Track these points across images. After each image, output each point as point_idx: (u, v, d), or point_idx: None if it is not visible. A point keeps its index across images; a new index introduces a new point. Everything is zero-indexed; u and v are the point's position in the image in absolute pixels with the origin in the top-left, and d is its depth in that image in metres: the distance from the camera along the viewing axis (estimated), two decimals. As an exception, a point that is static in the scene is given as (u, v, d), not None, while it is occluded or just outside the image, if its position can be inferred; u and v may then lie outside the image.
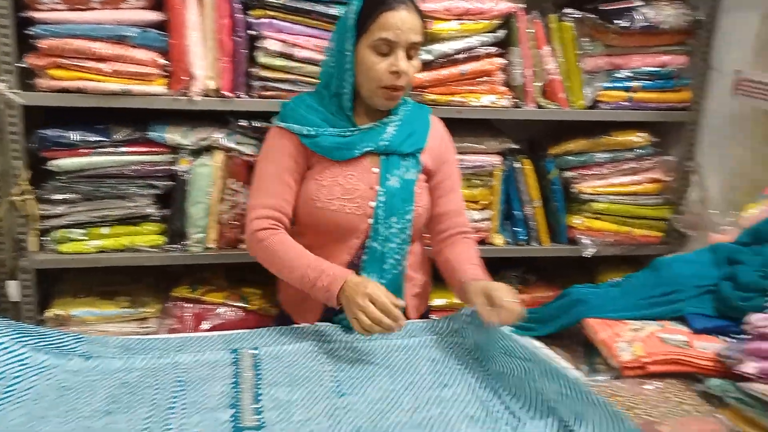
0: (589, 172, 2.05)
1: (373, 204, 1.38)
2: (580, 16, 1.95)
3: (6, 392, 1.04)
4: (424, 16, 1.37)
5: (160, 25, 1.73)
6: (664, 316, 1.19)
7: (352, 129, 1.38)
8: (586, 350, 1.21)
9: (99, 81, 1.67)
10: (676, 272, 1.23)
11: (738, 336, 1.08)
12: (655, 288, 1.23)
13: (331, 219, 1.38)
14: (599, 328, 1.16)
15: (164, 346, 1.26)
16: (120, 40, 1.66)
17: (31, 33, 1.61)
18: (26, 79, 1.68)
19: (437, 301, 1.91)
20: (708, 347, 1.07)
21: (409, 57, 1.33)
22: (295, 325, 1.37)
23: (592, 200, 2.05)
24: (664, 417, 0.91)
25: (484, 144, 1.98)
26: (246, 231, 1.40)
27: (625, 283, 1.34)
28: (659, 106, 2.04)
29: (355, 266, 1.40)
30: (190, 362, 1.19)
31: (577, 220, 2.06)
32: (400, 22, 1.29)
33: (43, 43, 1.61)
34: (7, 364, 1.09)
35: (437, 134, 1.49)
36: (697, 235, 1.95)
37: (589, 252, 2.04)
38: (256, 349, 1.25)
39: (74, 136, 1.71)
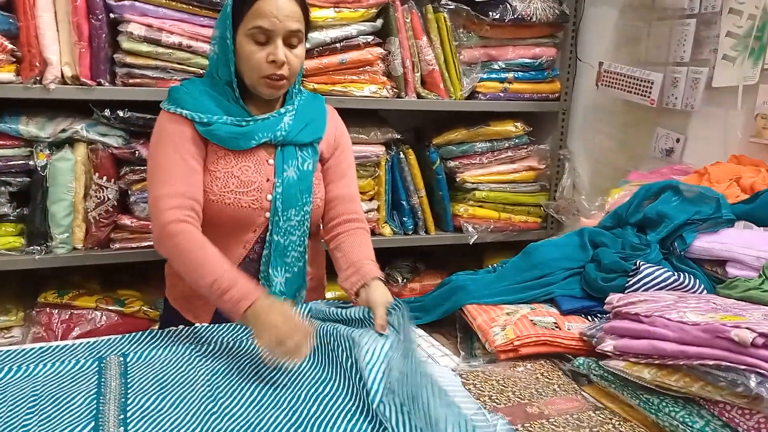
0: (471, 162, 2.11)
1: (270, 197, 1.33)
2: (453, 7, 1.99)
3: None
4: (306, 2, 1.32)
5: (6, 6, 1.57)
6: (536, 299, 1.23)
7: (248, 119, 1.31)
8: (466, 336, 1.23)
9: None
10: (546, 256, 1.28)
11: (603, 315, 1.14)
12: (528, 272, 1.27)
13: (225, 212, 1.31)
14: (476, 314, 1.19)
15: (22, 357, 1.14)
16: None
17: None
18: None
19: (329, 294, 1.89)
20: (575, 328, 1.11)
21: (291, 45, 1.28)
22: (171, 328, 1.29)
23: (475, 189, 2.11)
24: (533, 398, 0.94)
25: (368, 134, 1.98)
26: (155, 224, 1.26)
27: (501, 268, 1.38)
28: (532, 96, 2.14)
29: (251, 260, 1.36)
30: (48, 374, 1.09)
31: (461, 209, 2.12)
32: (275, 9, 1.24)
33: None
34: None
35: (332, 122, 1.45)
36: (570, 221, 2.06)
37: (473, 239, 2.10)
38: (124, 356, 1.16)
39: None
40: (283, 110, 1.35)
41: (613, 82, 1.91)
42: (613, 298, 1.05)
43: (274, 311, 1.12)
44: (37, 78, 1.60)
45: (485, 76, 2.07)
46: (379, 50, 1.93)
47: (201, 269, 1.20)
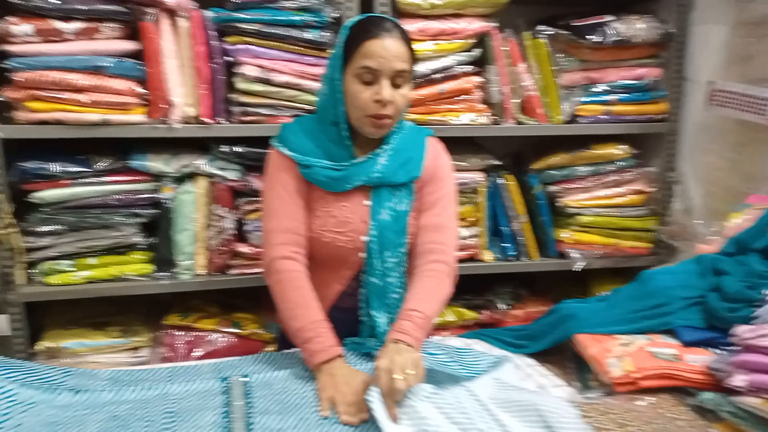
0: (573, 186, 2.07)
1: (365, 239, 1.35)
2: (553, 32, 1.98)
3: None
4: (412, 43, 1.33)
5: (137, 54, 1.73)
6: (653, 330, 1.19)
7: (345, 164, 1.35)
8: (577, 366, 1.21)
9: (77, 112, 1.66)
10: (662, 284, 1.24)
11: (727, 348, 1.09)
12: (642, 301, 1.24)
13: (323, 249, 1.37)
14: (589, 344, 1.17)
15: (153, 377, 1.24)
16: (96, 70, 1.65)
17: (6, 67, 1.60)
18: (3, 112, 1.67)
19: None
20: (698, 360, 1.07)
21: (397, 85, 1.29)
22: (287, 351, 1.36)
23: (578, 213, 2.07)
24: (657, 433, 0.91)
25: (467, 161, 1.99)
26: (265, 257, 1.35)
27: (613, 296, 1.34)
28: (637, 118, 2.07)
29: (347, 295, 1.40)
30: (180, 393, 1.18)
31: (564, 234, 2.08)
32: (383, 50, 1.26)
33: (18, 76, 1.60)
34: (-6, 404, 1.07)
35: (432, 156, 1.43)
36: (685, 246, 1.97)
37: (578, 265, 2.06)
38: (246, 376, 1.23)
39: (54, 167, 1.69)
40: (379, 150, 1.36)
41: (725, 101, 1.82)
42: (742, 330, 1.00)
43: (343, 376, 1.17)
44: (163, 118, 1.74)
45: (586, 99, 2.04)
46: (476, 78, 1.95)
47: (293, 311, 1.29)
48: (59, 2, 1.59)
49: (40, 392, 1.13)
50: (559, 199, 2.08)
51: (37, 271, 1.76)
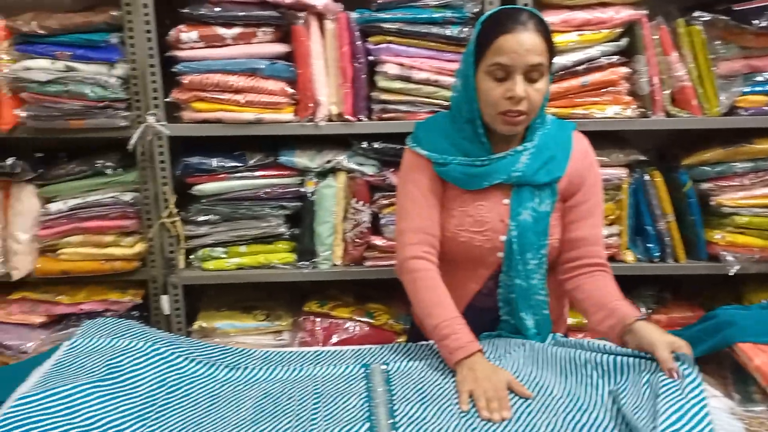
0: (729, 183, 1.91)
1: (503, 238, 1.32)
2: (710, 18, 1.83)
3: (166, 398, 1.14)
4: (550, 32, 1.27)
5: (287, 56, 1.84)
6: (828, 342, 1.08)
7: (483, 159, 1.31)
8: (737, 377, 1.12)
9: (234, 111, 1.80)
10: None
11: None
12: (818, 310, 1.12)
13: (459, 249, 1.35)
14: (753, 354, 1.08)
15: (301, 359, 1.32)
16: (252, 72, 1.78)
17: (175, 71, 1.77)
18: (171, 112, 1.85)
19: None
20: None
21: (533, 80, 1.23)
22: (423, 342, 1.38)
23: (734, 213, 1.90)
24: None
25: (609, 156, 1.91)
26: (398, 256, 1.37)
27: (780, 304, 1.23)
28: (808, 109, 1.87)
29: (482, 295, 1.38)
30: (325, 375, 1.24)
31: (717, 235, 1.92)
32: (516, 44, 1.21)
33: (186, 79, 1.76)
34: (166, 373, 1.19)
35: (579, 154, 1.37)
36: None
37: (733, 270, 1.90)
38: (386, 364, 1.27)
39: (214, 162, 1.85)
40: (521, 148, 1.31)
41: None
42: None
43: (483, 371, 1.16)
44: (310, 116, 1.84)
45: (747, 89, 1.87)
46: (623, 69, 1.86)
47: (429, 309, 1.29)
48: (222, 10, 1.73)
49: (203, 367, 1.24)
50: (713, 197, 1.92)
51: (194, 257, 1.93)
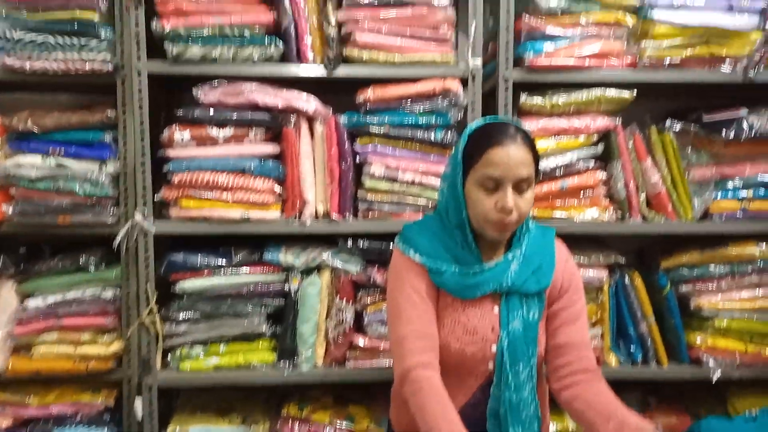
0: (707, 287, 1.94)
1: (494, 348, 1.31)
2: (681, 127, 1.93)
3: None
4: (535, 145, 1.32)
5: (277, 155, 1.89)
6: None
7: (477, 269, 1.32)
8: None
9: (222, 209, 1.82)
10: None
11: None
12: (806, 424, 1.12)
13: (451, 358, 1.32)
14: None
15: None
16: (242, 171, 1.82)
17: (166, 169, 1.80)
18: (159, 209, 1.86)
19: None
20: None
21: (521, 191, 1.27)
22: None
23: (714, 316, 1.93)
24: None
25: (589, 258, 1.94)
26: (398, 363, 1.30)
27: (763, 416, 1.22)
28: (778, 215, 1.94)
29: (471, 407, 1.34)
30: None
31: (698, 338, 1.93)
32: (507, 157, 1.24)
33: (176, 177, 1.79)
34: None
35: (561, 258, 1.40)
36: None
37: (715, 376, 1.89)
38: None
39: (200, 259, 1.84)
40: (510, 256, 1.34)
41: None
42: None
43: None
44: (297, 214, 1.86)
45: (719, 195, 1.95)
46: (600, 174, 1.93)
47: (433, 422, 1.20)
48: (216, 112, 1.79)
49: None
50: (692, 300, 1.95)
51: (171, 357, 1.88)
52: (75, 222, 1.79)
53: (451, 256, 1.34)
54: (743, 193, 1.95)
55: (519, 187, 1.27)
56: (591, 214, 1.93)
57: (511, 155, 1.25)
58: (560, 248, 1.43)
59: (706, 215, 1.96)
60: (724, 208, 1.95)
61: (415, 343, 1.28)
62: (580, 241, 2.00)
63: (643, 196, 1.95)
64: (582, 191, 1.93)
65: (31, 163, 1.74)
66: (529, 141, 1.29)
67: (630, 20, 1.86)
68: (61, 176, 1.76)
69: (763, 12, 1.87)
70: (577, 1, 1.85)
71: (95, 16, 1.72)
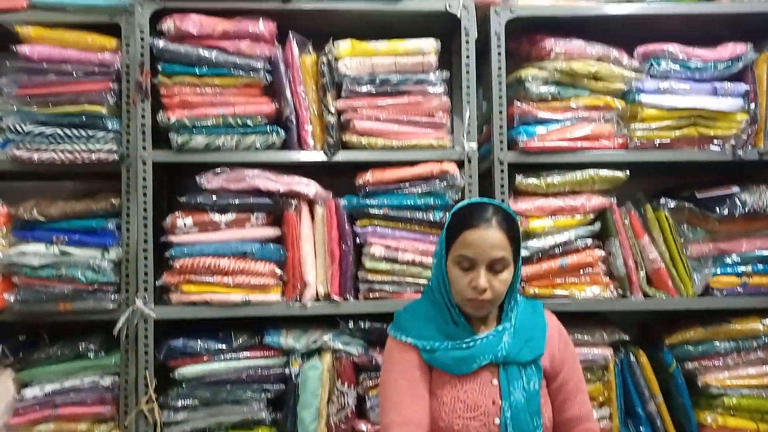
0: (713, 363, 1.92)
1: (498, 421, 1.31)
2: (675, 205, 1.97)
3: None
4: (516, 226, 1.37)
5: (278, 238, 1.91)
6: None
7: (468, 341, 1.35)
8: None
9: (223, 293, 1.82)
10: None
11: None
12: None
13: None
14: None
15: None
16: (243, 255, 1.83)
17: (168, 255, 1.82)
18: (159, 294, 1.87)
19: None
20: None
21: (496, 271, 1.32)
22: None
23: (722, 394, 1.89)
24: None
25: (593, 336, 1.93)
26: None
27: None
28: (780, 290, 1.95)
29: None
30: None
31: (708, 417, 1.89)
32: (479, 240, 1.31)
33: (177, 263, 1.80)
34: None
35: (553, 332, 1.44)
36: None
37: (728, 456, 1.85)
38: None
39: (200, 345, 1.82)
40: (501, 328, 1.37)
41: None
42: None
43: None
44: (298, 297, 1.87)
45: (719, 270, 1.96)
46: (599, 252, 1.95)
47: None
48: (218, 198, 1.82)
49: None
50: (699, 377, 1.92)
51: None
52: (76, 309, 1.79)
53: (443, 335, 1.37)
54: (742, 269, 1.96)
55: (493, 267, 1.32)
56: (592, 292, 1.93)
57: (484, 237, 1.31)
58: (551, 319, 1.47)
59: (706, 291, 1.96)
60: (724, 284, 1.95)
61: (401, 429, 1.31)
62: (582, 319, 1.99)
63: (642, 273, 1.95)
64: (582, 269, 1.94)
65: (35, 251, 1.76)
66: (507, 223, 1.35)
67: (619, 104, 1.93)
68: (63, 263, 1.77)
69: (746, 94, 1.94)
70: (566, 87, 1.92)
71: (103, 110, 1.78)
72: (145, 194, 1.81)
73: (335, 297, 1.87)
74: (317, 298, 1.89)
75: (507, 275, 1.34)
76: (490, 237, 1.31)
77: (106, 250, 1.80)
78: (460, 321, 1.37)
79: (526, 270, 1.91)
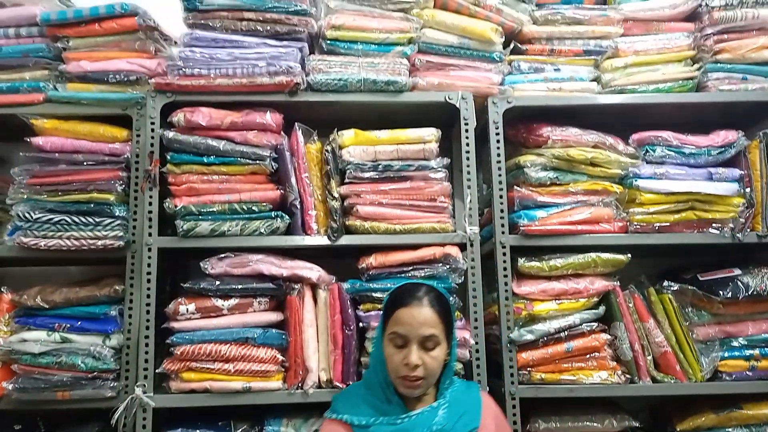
0: (728, 453, 1.87)
1: None
2: (677, 287, 1.96)
3: None
4: (448, 306, 1.45)
5: (280, 324, 1.89)
6: None
7: (404, 416, 1.40)
8: None
9: (223, 380, 1.79)
10: None
11: None
12: None
13: None
14: None
15: None
16: (245, 341, 1.81)
17: (169, 341, 1.80)
18: (159, 381, 1.83)
19: None
20: None
21: (428, 348, 1.39)
22: None
23: (738, 485, 1.83)
24: None
25: (602, 423, 1.88)
26: None
27: None
28: (790, 376, 1.91)
29: None
30: None
31: None
32: (410, 318, 1.40)
33: (178, 350, 1.78)
34: None
35: (490, 413, 1.48)
36: None
37: None
38: None
39: (198, 436, 1.78)
40: (436, 404, 1.43)
41: None
42: None
43: None
44: (299, 384, 1.83)
45: (726, 354, 1.93)
46: (605, 336, 1.93)
47: None
48: (221, 284, 1.83)
49: None
50: (715, 467, 1.86)
51: None
52: (74, 397, 1.76)
53: (378, 412, 1.41)
54: (750, 352, 1.94)
55: (425, 344, 1.40)
56: (600, 376, 1.90)
57: (415, 315, 1.40)
58: (488, 401, 1.53)
59: (715, 374, 1.93)
60: (732, 367, 1.93)
61: None
62: (590, 405, 1.94)
63: (650, 357, 1.93)
64: (588, 353, 1.92)
65: (36, 339, 1.75)
66: (439, 302, 1.44)
67: (617, 188, 1.97)
68: (63, 351, 1.76)
69: (741, 179, 1.99)
70: (564, 173, 1.97)
71: (111, 197, 1.82)
72: (149, 280, 1.82)
73: (338, 383, 1.84)
74: (319, 385, 1.86)
75: (439, 352, 1.41)
76: (421, 315, 1.40)
77: (108, 337, 1.79)
78: (394, 399, 1.42)
79: (531, 354, 1.88)
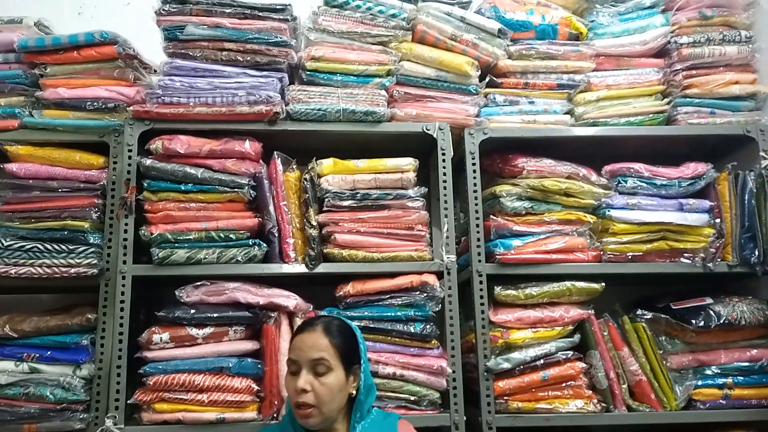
0: (704, 481, 1.87)
1: None
2: (651, 316, 1.99)
3: None
4: (342, 331, 1.48)
5: (256, 353, 1.87)
6: None
7: None
8: None
9: (197, 411, 1.76)
10: None
11: None
12: None
13: None
14: None
15: None
16: (219, 371, 1.79)
17: (141, 371, 1.76)
18: (130, 412, 1.79)
19: None
20: None
21: (319, 374, 1.40)
22: None
23: None
24: None
25: (579, 453, 1.88)
26: None
27: None
28: (761, 402, 1.93)
29: None
30: None
31: None
32: (300, 342, 1.44)
33: (151, 380, 1.75)
34: None
35: None
36: None
37: None
38: None
39: (169, 469, 1.73)
40: None
41: None
42: None
43: None
44: (274, 414, 1.80)
45: (700, 382, 1.95)
46: (580, 364, 1.94)
47: None
48: (196, 312, 1.81)
49: None
50: (691, 496, 1.86)
51: None
52: (41, 429, 1.71)
53: None
54: (722, 380, 1.96)
55: (316, 370, 1.41)
56: (576, 405, 1.90)
57: (304, 340, 1.44)
58: (408, 428, 1.52)
59: (689, 403, 1.95)
60: (706, 396, 1.94)
61: None
62: (567, 434, 1.95)
63: (625, 385, 1.94)
64: (564, 382, 1.92)
65: (3, 369, 1.71)
66: (334, 330, 1.47)
67: (590, 218, 2.01)
68: (32, 381, 1.72)
69: (711, 210, 2.04)
70: (539, 203, 2.01)
71: (86, 224, 1.80)
72: (122, 308, 1.79)
73: (314, 414, 1.82)
74: (295, 415, 1.83)
75: (332, 380, 1.40)
76: (310, 339, 1.43)
77: (79, 367, 1.75)
78: (301, 430, 1.43)
79: (508, 383, 1.89)
